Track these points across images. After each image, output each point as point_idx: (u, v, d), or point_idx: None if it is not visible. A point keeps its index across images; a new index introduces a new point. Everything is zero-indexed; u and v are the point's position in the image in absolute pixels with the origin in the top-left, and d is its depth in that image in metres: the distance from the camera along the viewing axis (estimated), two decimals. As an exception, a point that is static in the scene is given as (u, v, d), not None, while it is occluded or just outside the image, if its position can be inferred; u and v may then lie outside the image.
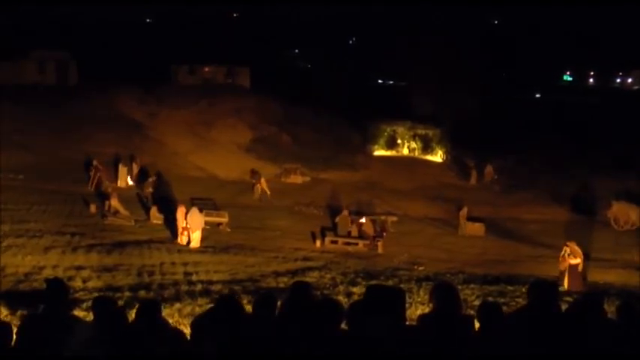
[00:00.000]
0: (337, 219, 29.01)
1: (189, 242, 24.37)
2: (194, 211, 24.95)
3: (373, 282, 18.67)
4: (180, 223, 24.72)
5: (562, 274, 20.57)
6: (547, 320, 5.90)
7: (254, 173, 37.63)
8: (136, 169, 35.63)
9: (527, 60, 78.63)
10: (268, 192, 35.18)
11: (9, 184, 31.35)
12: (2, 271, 17.81)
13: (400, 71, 54.45)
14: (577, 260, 20.51)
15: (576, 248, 20.81)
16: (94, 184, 32.37)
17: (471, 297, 16.94)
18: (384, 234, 28.30)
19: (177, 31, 67.97)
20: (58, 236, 22.90)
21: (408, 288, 17.52)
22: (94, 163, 33.07)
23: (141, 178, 34.76)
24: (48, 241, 22.09)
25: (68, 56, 53.64)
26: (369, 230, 28.00)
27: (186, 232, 24.59)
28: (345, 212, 29.37)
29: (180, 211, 24.91)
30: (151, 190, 31.85)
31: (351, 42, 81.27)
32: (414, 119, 49.41)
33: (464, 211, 31.05)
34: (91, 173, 32.93)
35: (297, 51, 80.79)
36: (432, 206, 36.09)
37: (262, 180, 35.67)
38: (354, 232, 28.02)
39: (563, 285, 19.98)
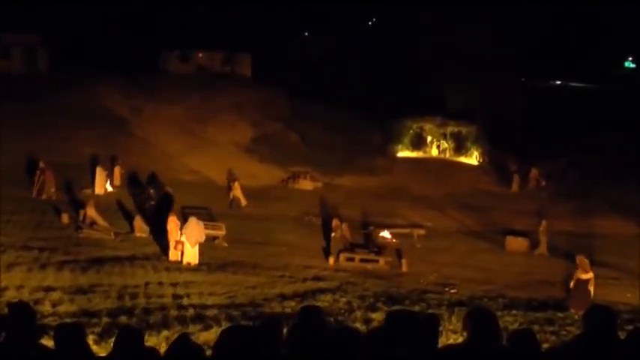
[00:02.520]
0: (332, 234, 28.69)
1: (182, 259, 24.35)
2: (192, 221, 24.87)
3: (396, 307, 18.59)
4: (173, 235, 24.69)
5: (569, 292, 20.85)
6: (605, 353, 5.80)
7: (230, 174, 37.71)
8: (118, 173, 35.74)
9: (580, 45, 78.17)
10: (242, 200, 34.98)
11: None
12: (-44, 292, 17.86)
13: (428, 58, 54.20)
14: (588, 275, 20.60)
15: (586, 261, 20.94)
16: (37, 189, 32.30)
17: (513, 325, 16.83)
18: (382, 249, 28.19)
19: (166, 11, 68.13)
20: (23, 251, 22.96)
21: (438, 314, 17.43)
22: (41, 165, 32.88)
23: (132, 184, 34.91)
24: (11, 256, 22.13)
25: (37, 40, 53.87)
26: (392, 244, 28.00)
27: (180, 247, 24.57)
28: (338, 223, 29.00)
29: (172, 222, 24.89)
30: (151, 202, 31.49)
31: (370, 23, 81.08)
32: (444, 114, 49.34)
33: (544, 226, 30.72)
34: (36, 177, 32.64)
35: (307, 34, 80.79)
36: (466, 217, 35.97)
37: (236, 184, 35.50)
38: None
39: (571, 307, 20.19)
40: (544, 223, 30.76)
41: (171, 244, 24.68)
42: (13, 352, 5.60)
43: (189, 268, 23.70)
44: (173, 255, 24.50)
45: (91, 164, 36.04)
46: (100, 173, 34.31)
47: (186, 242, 24.36)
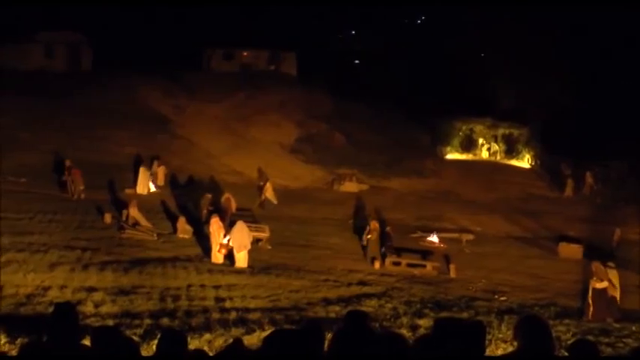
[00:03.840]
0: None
1: (231, 262, 24.50)
2: (240, 225, 25.02)
3: (444, 314, 18.51)
4: (215, 238, 24.85)
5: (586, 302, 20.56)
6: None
7: (261, 174, 37.77)
8: (162, 173, 36.10)
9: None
10: (273, 200, 35.02)
11: (9, 188, 32.08)
12: (0, 292, 18.18)
13: (479, 57, 53.88)
14: (603, 284, 20.26)
15: (602, 269, 20.58)
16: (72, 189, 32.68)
17: (566, 335, 16.62)
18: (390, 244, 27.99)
19: (210, 8, 68.55)
20: (66, 251, 23.28)
21: (487, 322, 17.29)
22: (67, 164, 33.27)
23: (172, 185, 35.24)
24: (54, 256, 22.48)
25: (81, 38, 54.68)
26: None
27: (223, 250, 24.76)
28: (376, 225, 28.91)
29: (215, 224, 25.03)
30: (209, 208, 30.77)
31: (419, 22, 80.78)
32: (495, 116, 48.98)
33: (617, 234, 30.36)
34: (67, 178, 32.89)
35: (353, 33, 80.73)
36: (517, 222, 35.65)
37: (268, 184, 35.51)
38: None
39: (587, 316, 19.87)
40: (618, 231, 30.41)
41: (214, 246, 24.84)
42: (56, 352, 5.68)
43: (232, 271, 23.80)
44: (216, 257, 24.66)
45: (134, 164, 36.47)
46: (142, 173, 34.65)
47: (235, 246, 24.53)
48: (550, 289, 24.59)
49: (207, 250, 25.29)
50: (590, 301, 20.36)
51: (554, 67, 48.28)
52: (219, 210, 29.48)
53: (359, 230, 30.14)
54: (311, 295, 21.24)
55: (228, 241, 24.63)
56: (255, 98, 49.36)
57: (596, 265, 20.91)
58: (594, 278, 20.52)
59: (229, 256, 24.79)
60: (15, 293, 18.13)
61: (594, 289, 20.42)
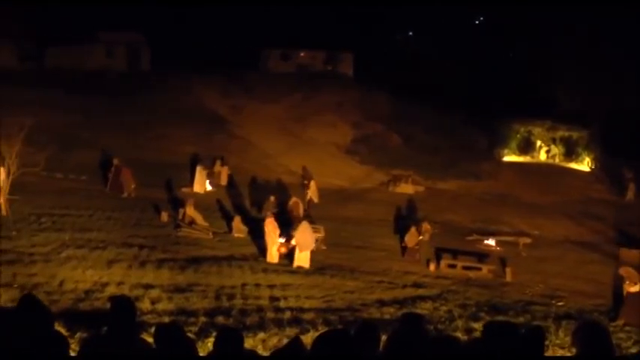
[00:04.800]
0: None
1: (290, 261, 24.67)
2: (305, 226, 25.22)
3: (500, 318, 18.35)
4: (271, 237, 24.99)
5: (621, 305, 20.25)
6: None
7: (305, 172, 37.82)
8: (225, 173, 36.42)
9: None
10: (315, 199, 34.91)
11: (70, 186, 32.78)
12: (60, 287, 18.54)
13: (538, 58, 53.17)
14: (637, 287, 19.84)
15: (634, 273, 20.16)
16: (114, 185, 33.00)
17: (627, 342, 16.38)
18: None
19: (267, 9, 68.87)
20: (123, 248, 23.65)
21: (544, 327, 17.08)
22: (115, 162, 33.56)
23: (229, 184, 35.56)
24: (112, 253, 22.87)
25: (140, 39, 55.46)
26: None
27: (283, 249, 24.93)
28: (428, 227, 28.83)
29: (270, 224, 25.17)
30: (273, 211, 30.36)
31: (477, 22, 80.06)
32: (554, 118, 48.33)
33: None
34: (110, 174, 33.32)
35: (410, 33, 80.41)
36: (576, 226, 35.13)
37: (312, 183, 35.42)
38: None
39: (621, 319, 19.51)
40: None
41: (270, 246, 24.97)
42: (114, 346, 5.76)
43: (287, 271, 23.91)
44: (271, 257, 24.80)
45: (191, 163, 36.83)
46: (199, 172, 34.96)
47: (297, 247, 24.68)
48: (609, 296, 24.17)
49: (262, 249, 25.44)
50: (626, 304, 20.12)
51: (617, 69, 47.44)
52: (283, 213, 29.71)
53: (401, 231, 30.07)
54: (365, 296, 21.25)
55: (291, 240, 24.80)
56: (312, 99, 49.49)
57: (626, 270, 20.75)
58: (627, 282, 20.25)
59: (288, 256, 24.97)
60: (74, 289, 18.50)
61: (629, 293, 20.15)
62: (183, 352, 5.96)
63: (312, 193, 34.80)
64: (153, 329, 13.58)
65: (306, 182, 36.14)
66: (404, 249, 28.29)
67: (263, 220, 26.42)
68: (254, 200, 33.68)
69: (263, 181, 37.49)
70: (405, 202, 37.34)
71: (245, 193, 35.15)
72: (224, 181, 36.49)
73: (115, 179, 32.96)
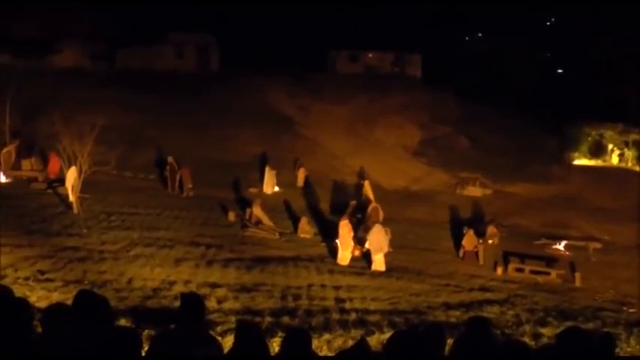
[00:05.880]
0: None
1: (368, 265, 24.75)
2: (378, 229, 25.24)
3: (568, 323, 18.04)
4: (345, 240, 25.02)
5: None
6: None
7: (361, 172, 37.80)
8: (302, 174, 36.64)
9: None
10: (371, 199, 34.82)
11: (139, 184, 33.35)
12: (129, 284, 18.85)
13: (613, 62, 52.22)
14: None
15: None
16: (175, 185, 33.29)
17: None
18: None
19: (336, 10, 69.02)
20: (191, 247, 23.95)
21: (615, 334, 16.75)
22: (169, 160, 33.88)
23: (314, 191, 35.77)
24: (179, 252, 23.17)
25: (210, 39, 56.13)
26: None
27: (357, 252, 24.99)
28: (494, 231, 28.52)
29: (345, 226, 25.18)
30: (357, 216, 30.68)
31: (548, 23, 78.97)
32: (626, 121, 47.39)
33: None
34: (175, 175, 33.47)
35: (480, 35, 79.78)
36: (649, 231, 34.38)
37: (366, 182, 35.40)
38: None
39: None
40: None
41: (342, 248, 25.01)
42: (184, 342, 5.82)
43: (353, 272, 23.90)
44: (343, 259, 24.82)
45: (260, 163, 37.12)
46: (268, 173, 35.19)
47: (371, 250, 24.72)
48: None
49: (332, 251, 25.52)
50: None
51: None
52: (365, 218, 29.76)
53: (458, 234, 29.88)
54: (431, 299, 21.10)
55: (364, 244, 24.83)
56: (379, 100, 49.42)
57: None
58: None
59: (363, 258, 25.01)
60: (142, 286, 18.78)
61: None
62: (260, 351, 6.00)
63: (368, 193, 34.94)
64: (218, 327, 13.77)
65: (361, 182, 36.27)
66: (461, 251, 28.14)
67: (337, 222, 26.49)
68: (326, 201, 33.83)
69: (339, 182, 37.64)
70: (472, 204, 37.04)
71: (319, 195, 35.31)
72: (300, 182, 36.72)
73: (173, 178, 33.40)
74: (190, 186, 32.79)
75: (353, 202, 31.45)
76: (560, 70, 62.13)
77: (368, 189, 34.98)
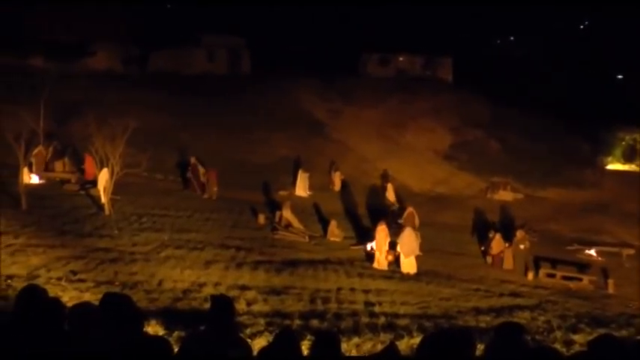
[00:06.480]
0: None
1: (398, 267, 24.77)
2: (409, 232, 25.23)
3: (601, 330, 17.86)
4: (380, 244, 25.02)
5: None
6: None
7: (385, 175, 37.89)
8: (337, 179, 36.69)
9: None
10: (393, 201, 34.98)
11: (169, 187, 33.54)
12: (159, 286, 18.95)
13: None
14: None
15: None
16: (200, 185, 33.39)
17: None
18: None
19: (367, 14, 68.94)
20: (221, 249, 24.03)
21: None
22: (192, 161, 33.95)
23: (345, 194, 35.76)
24: (209, 254, 23.25)
25: (241, 42, 56.38)
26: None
27: (390, 257, 24.98)
28: (523, 235, 28.27)
29: (382, 231, 25.16)
30: (398, 221, 30.11)
31: (582, 27, 78.35)
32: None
33: None
34: (198, 175, 33.58)
35: (512, 38, 79.35)
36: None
37: (389, 185, 35.37)
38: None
39: None
40: None
41: (378, 252, 25.00)
42: (213, 342, 5.84)
43: (382, 276, 23.87)
44: (380, 263, 24.81)
45: (294, 166, 37.24)
46: (301, 176, 35.25)
47: (401, 253, 24.69)
48: None
49: (367, 255, 25.57)
50: None
51: None
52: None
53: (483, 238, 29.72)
54: (461, 303, 20.99)
55: (396, 247, 24.80)
56: (410, 103, 49.31)
57: None
58: None
59: (396, 262, 25.04)
60: (172, 288, 18.85)
61: None
62: (294, 355, 6.00)
63: (389, 195, 34.96)
64: (248, 330, 13.80)
65: (385, 185, 36.26)
66: (485, 254, 28.05)
67: (373, 227, 26.49)
68: (362, 205, 33.85)
69: (374, 186, 37.66)
70: (503, 209, 36.83)
71: (355, 199, 35.35)
72: (337, 186, 36.75)
73: (196, 179, 33.51)
74: (215, 189, 32.90)
75: (394, 208, 31.41)
76: (619, 76, 61.32)
77: (391, 192, 35.04)
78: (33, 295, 5.60)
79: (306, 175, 35.37)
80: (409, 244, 24.70)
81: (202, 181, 33.27)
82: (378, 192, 36.79)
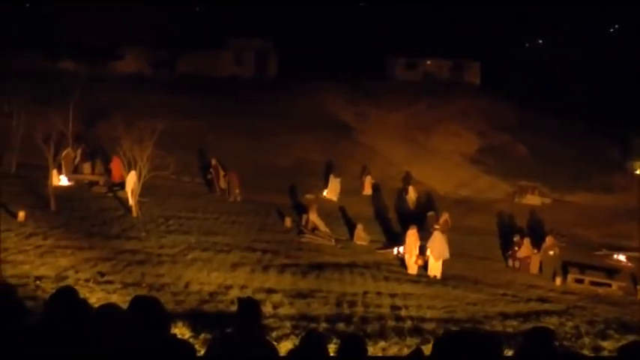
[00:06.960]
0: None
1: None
2: (439, 236, 25.18)
3: (630, 337, 17.67)
4: (411, 249, 24.97)
5: None
6: None
7: (406, 177, 37.53)
8: (368, 183, 36.71)
9: None
10: (413, 203, 35.00)
11: (196, 189, 33.66)
12: (186, 288, 19.01)
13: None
14: None
15: None
16: (220, 187, 33.46)
17: None
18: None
19: (395, 17, 68.80)
20: (247, 252, 24.06)
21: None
22: (213, 162, 34.01)
23: (375, 198, 35.73)
24: (236, 257, 23.29)
25: (268, 45, 56.54)
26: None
27: (420, 261, 24.94)
28: (552, 241, 28.06)
29: (412, 235, 25.12)
30: (435, 227, 28.53)
31: (612, 30, 77.72)
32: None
33: None
34: (219, 176, 33.65)
35: (540, 42, 78.86)
36: None
37: (411, 187, 35.40)
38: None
39: None
40: None
41: (408, 257, 24.96)
42: (240, 345, 5.84)
43: (409, 280, 23.80)
44: (412, 268, 24.77)
45: (325, 170, 37.29)
46: (333, 180, 35.27)
47: (431, 256, 24.67)
48: None
49: (400, 260, 25.67)
50: None
51: None
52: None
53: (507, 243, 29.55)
54: (488, 308, 20.86)
55: (425, 251, 24.75)
56: (437, 107, 49.19)
57: None
58: None
59: (425, 267, 25.08)
60: (199, 290, 18.90)
61: None
62: (321, 357, 5.99)
63: (412, 197, 34.91)
64: (274, 333, 13.80)
65: (407, 187, 36.24)
66: (508, 258, 28.03)
67: (404, 231, 26.47)
68: (391, 209, 33.82)
69: (387, 188, 37.58)
70: (530, 213, 36.59)
71: (385, 202, 35.33)
72: (368, 190, 36.75)
73: (218, 180, 33.60)
74: (237, 191, 32.97)
75: (431, 213, 31.26)
76: (624, 77, 60.90)
77: (412, 194, 35.02)
78: (68, 297, 5.62)
79: (338, 180, 35.36)
80: (439, 247, 24.66)
81: (222, 185, 33.35)
82: (402, 195, 36.70)
